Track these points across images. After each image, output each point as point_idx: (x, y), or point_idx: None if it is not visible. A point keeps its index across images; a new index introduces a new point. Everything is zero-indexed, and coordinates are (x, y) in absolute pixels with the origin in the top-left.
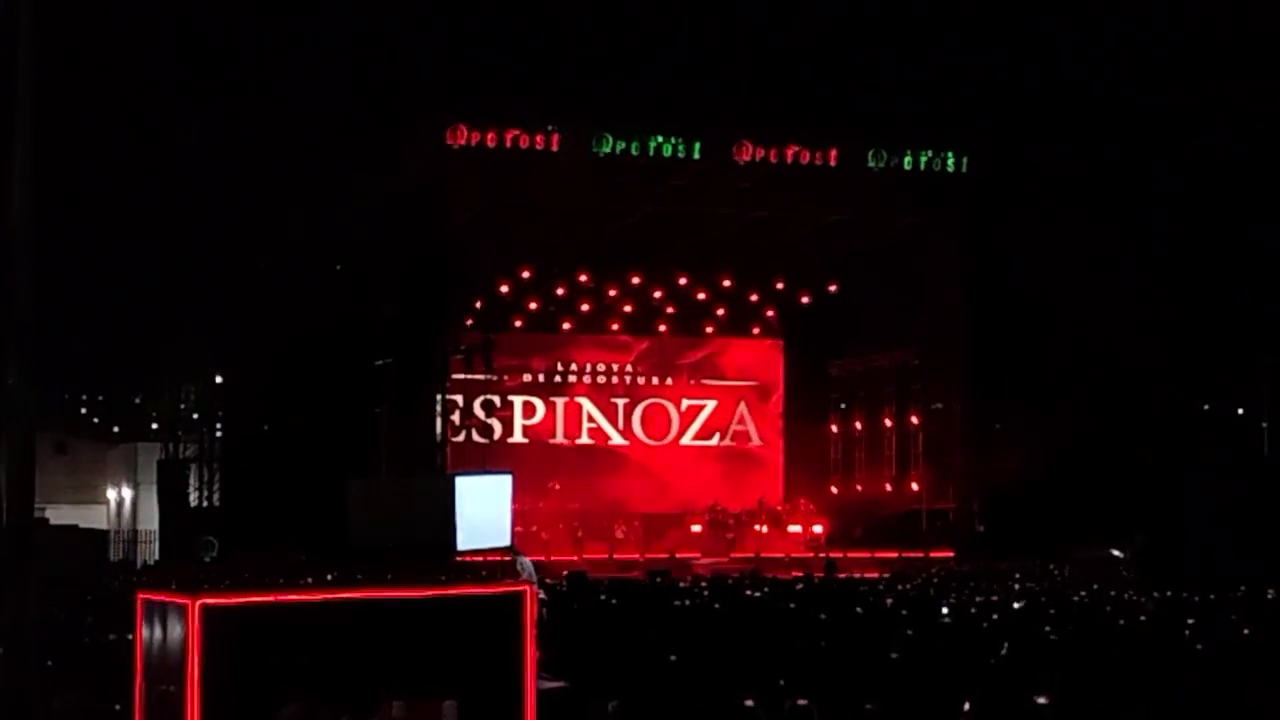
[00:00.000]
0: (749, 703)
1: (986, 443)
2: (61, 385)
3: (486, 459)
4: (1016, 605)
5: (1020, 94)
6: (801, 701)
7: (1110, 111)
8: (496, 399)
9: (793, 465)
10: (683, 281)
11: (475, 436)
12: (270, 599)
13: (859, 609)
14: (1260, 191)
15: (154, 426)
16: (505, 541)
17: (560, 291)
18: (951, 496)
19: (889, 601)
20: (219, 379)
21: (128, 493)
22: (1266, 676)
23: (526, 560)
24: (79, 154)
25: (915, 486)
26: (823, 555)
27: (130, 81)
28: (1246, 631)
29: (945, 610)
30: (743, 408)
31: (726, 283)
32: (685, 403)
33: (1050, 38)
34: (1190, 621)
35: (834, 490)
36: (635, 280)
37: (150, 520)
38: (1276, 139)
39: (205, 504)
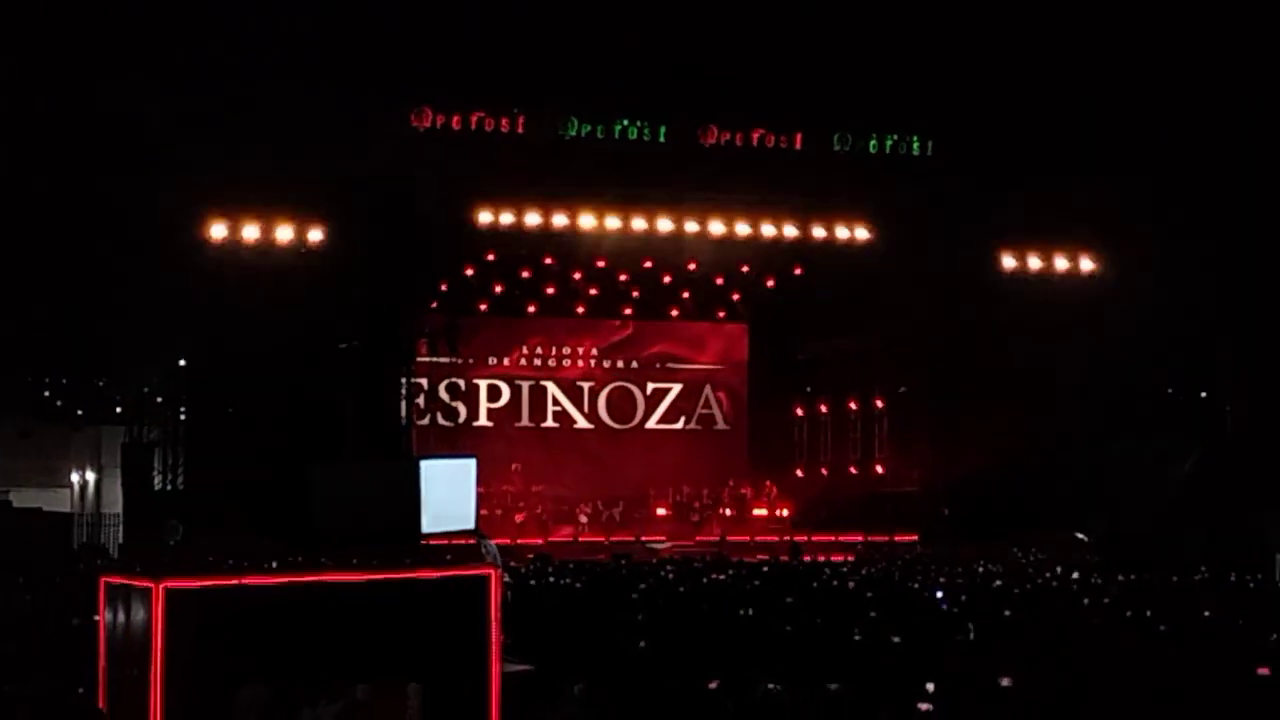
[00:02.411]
0: (713, 685)
1: (951, 426)
2: (24, 369)
3: (451, 442)
4: (981, 587)
5: (984, 77)
6: (772, 686)
7: (1074, 94)
8: (461, 382)
9: (758, 449)
10: (648, 265)
11: (440, 420)
12: (234, 582)
13: (824, 591)
14: (1228, 173)
15: (118, 410)
16: (470, 525)
17: (525, 275)
18: (916, 480)
19: (851, 584)
20: (182, 362)
21: (91, 476)
22: (1228, 657)
23: (491, 543)
24: (39, 134)
25: (880, 470)
26: (787, 538)
27: (90, 59)
28: (1208, 613)
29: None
30: (708, 391)
31: (692, 266)
32: (651, 386)
33: (1015, 22)
34: (1151, 606)
35: (799, 474)
36: (600, 264)
37: (114, 504)
38: (1243, 119)
39: (169, 487)
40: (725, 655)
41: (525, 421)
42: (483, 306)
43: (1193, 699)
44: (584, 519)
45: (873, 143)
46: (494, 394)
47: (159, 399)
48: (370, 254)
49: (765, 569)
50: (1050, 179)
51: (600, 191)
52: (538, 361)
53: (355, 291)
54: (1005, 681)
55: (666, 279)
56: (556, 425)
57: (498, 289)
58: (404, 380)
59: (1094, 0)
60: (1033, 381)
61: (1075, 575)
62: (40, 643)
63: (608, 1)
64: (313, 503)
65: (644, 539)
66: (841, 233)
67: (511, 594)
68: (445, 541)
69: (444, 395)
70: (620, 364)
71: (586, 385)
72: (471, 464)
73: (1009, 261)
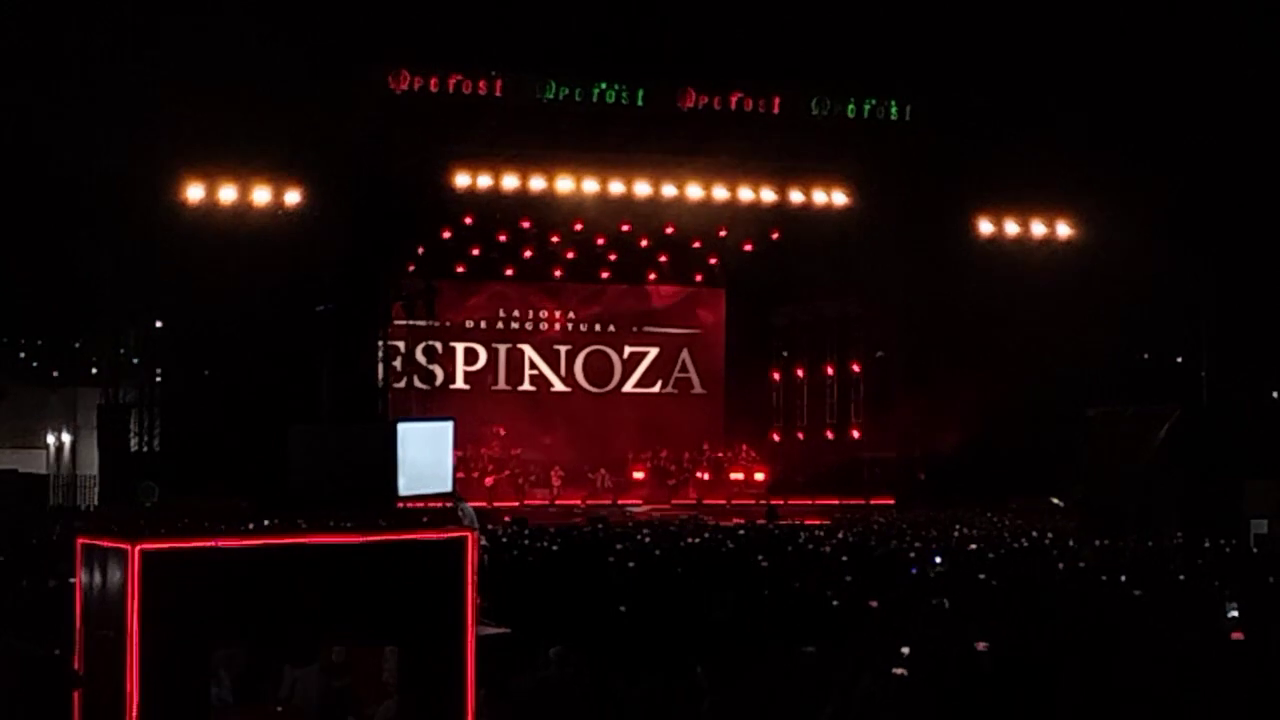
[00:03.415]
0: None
1: (927, 392)
2: None
3: (428, 405)
4: (956, 551)
5: (962, 42)
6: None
7: (1051, 61)
8: (438, 345)
9: (735, 413)
10: (625, 228)
11: (417, 383)
12: (210, 544)
13: (800, 555)
14: (1205, 140)
15: (94, 371)
16: (447, 488)
17: (502, 238)
18: (892, 445)
19: (827, 549)
20: (159, 324)
21: (67, 438)
22: (1202, 622)
23: (468, 506)
24: (15, 95)
25: (856, 435)
26: (764, 502)
27: (68, 22)
28: (1182, 578)
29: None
30: (685, 355)
31: (669, 230)
32: (628, 350)
33: None
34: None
35: (776, 438)
36: (578, 227)
37: (90, 465)
38: (1218, 86)
39: (145, 449)
40: (701, 619)
41: (502, 384)
42: (460, 269)
43: (1167, 663)
44: (558, 482)
45: (850, 107)
46: (471, 357)
47: (135, 360)
48: (347, 216)
49: (741, 532)
50: (1027, 145)
51: (578, 155)
52: (514, 325)
53: (332, 254)
54: (981, 645)
55: (644, 243)
56: (533, 388)
57: (475, 252)
58: (380, 343)
59: None
60: (1009, 346)
61: (1050, 538)
62: (15, 604)
63: None
64: (289, 465)
65: (621, 502)
66: (819, 197)
67: (488, 557)
68: (422, 504)
69: (420, 358)
70: (597, 327)
71: (563, 348)
72: (449, 426)
73: (986, 226)
